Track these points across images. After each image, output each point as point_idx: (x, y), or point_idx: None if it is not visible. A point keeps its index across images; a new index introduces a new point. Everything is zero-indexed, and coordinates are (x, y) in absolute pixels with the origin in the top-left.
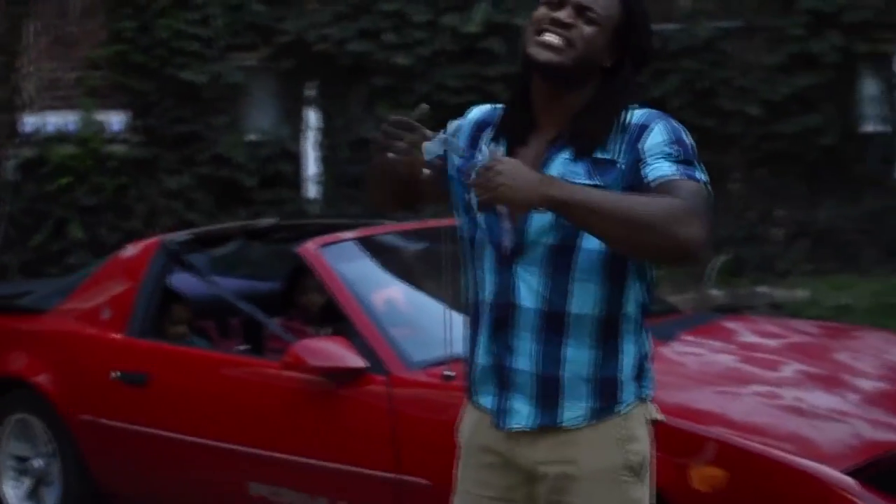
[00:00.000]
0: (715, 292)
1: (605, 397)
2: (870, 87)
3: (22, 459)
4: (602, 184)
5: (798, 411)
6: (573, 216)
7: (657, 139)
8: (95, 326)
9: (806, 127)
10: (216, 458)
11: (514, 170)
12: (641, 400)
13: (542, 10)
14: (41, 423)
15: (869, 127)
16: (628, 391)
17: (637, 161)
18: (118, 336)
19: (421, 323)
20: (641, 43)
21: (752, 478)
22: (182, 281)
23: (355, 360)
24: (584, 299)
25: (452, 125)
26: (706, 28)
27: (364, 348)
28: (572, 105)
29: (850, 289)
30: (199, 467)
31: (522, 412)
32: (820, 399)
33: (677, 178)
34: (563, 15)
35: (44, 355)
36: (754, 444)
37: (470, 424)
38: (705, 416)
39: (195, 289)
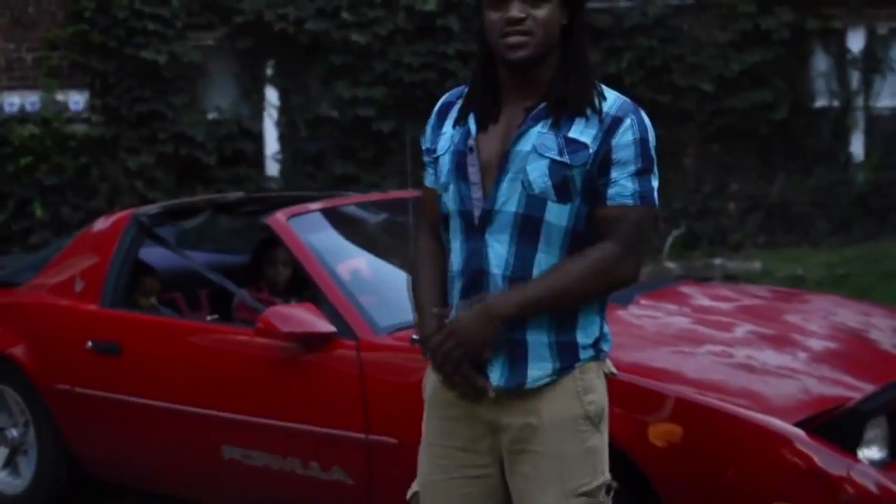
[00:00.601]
0: (670, 265)
1: (566, 358)
2: (820, 62)
3: None
4: (570, 163)
5: (750, 369)
6: (526, 314)
7: (627, 138)
8: (69, 298)
9: (758, 102)
10: (190, 423)
11: (461, 328)
12: (598, 357)
13: (493, 16)
14: (15, 394)
15: (820, 102)
16: (586, 353)
17: (606, 157)
18: (91, 307)
19: (386, 290)
20: None
21: (707, 431)
22: (151, 253)
23: (325, 326)
24: (546, 268)
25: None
26: (658, 5)
27: (333, 314)
28: (542, 76)
29: (803, 261)
30: (173, 432)
31: (495, 373)
32: (771, 357)
33: (630, 204)
34: (515, 12)
35: (18, 327)
36: (709, 399)
37: (434, 380)
38: (661, 374)
39: (164, 261)
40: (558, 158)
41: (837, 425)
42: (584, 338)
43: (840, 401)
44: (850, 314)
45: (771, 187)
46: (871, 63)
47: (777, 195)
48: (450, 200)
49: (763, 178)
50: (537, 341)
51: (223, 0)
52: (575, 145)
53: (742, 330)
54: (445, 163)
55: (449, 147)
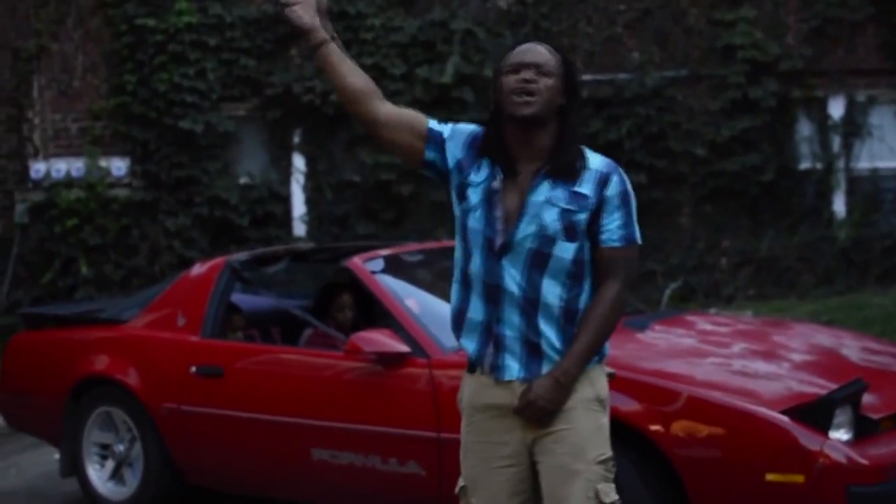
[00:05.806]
0: None
1: None
2: (804, 128)
3: (103, 447)
4: (577, 208)
5: (744, 374)
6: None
7: (617, 189)
8: (173, 331)
9: (747, 165)
10: (284, 431)
11: (545, 394)
12: (599, 362)
13: (510, 79)
14: (123, 414)
15: (804, 165)
16: None
17: (601, 205)
18: (194, 338)
19: (446, 319)
20: (576, 82)
21: (713, 420)
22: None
23: (402, 347)
24: (551, 292)
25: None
26: (655, 77)
27: (407, 338)
28: (542, 140)
29: (790, 311)
30: (269, 440)
31: (513, 368)
32: (760, 366)
33: (619, 247)
34: (527, 76)
35: (127, 356)
36: (713, 395)
37: (470, 390)
38: (677, 378)
39: (244, 302)
40: (567, 207)
41: (813, 412)
42: None
43: (815, 395)
44: (824, 337)
45: (760, 244)
46: (851, 128)
47: (766, 251)
48: (476, 221)
49: (753, 235)
50: (547, 344)
51: (255, 74)
52: (579, 196)
53: (737, 347)
54: (477, 193)
55: (481, 183)
